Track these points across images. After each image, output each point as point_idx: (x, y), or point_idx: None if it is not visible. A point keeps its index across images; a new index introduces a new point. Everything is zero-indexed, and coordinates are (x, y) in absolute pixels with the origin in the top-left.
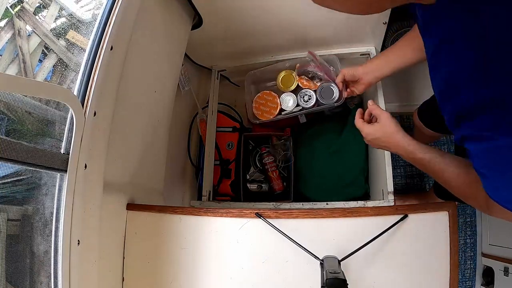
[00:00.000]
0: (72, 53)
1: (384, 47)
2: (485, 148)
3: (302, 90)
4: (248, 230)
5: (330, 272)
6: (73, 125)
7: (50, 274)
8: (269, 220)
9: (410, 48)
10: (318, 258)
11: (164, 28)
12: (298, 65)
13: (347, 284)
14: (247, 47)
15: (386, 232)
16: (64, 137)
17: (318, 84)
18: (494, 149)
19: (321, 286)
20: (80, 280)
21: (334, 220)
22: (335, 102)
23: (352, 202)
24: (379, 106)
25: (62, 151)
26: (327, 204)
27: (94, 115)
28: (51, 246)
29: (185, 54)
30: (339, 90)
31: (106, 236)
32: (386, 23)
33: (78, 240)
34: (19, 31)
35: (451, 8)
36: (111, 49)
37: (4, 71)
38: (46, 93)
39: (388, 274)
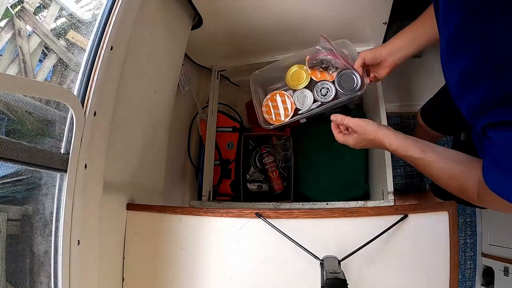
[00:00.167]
0: (72, 53)
1: None
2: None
3: (318, 84)
4: (248, 230)
5: (330, 272)
6: (73, 125)
7: (50, 274)
8: (269, 220)
9: (432, 24)
10: (318, 258)
11: (164, 28)
12: (307, 57)
13: (347, 284)
14: (247, 47)
15: (386, 232)
16: (64, 137)
17: (335, 73)
18: None
19: (321, 286)
20: (80, 280)
21: (334, 220)
22: (357, 91)
23: (352, 202)
24: (346, 116)
25: (62, 151)
26: (327, 204)
27: (94, 115)
28: (51, 246)
29: (185, 54)
30: (360, 76)
31: (106, 236)
32: (386, 23)
33: (78, 240)
34: (19, 31)
35: None
36: (111, 49)
37: (4, 71)
38: (46, 93)
39: (388, 274)
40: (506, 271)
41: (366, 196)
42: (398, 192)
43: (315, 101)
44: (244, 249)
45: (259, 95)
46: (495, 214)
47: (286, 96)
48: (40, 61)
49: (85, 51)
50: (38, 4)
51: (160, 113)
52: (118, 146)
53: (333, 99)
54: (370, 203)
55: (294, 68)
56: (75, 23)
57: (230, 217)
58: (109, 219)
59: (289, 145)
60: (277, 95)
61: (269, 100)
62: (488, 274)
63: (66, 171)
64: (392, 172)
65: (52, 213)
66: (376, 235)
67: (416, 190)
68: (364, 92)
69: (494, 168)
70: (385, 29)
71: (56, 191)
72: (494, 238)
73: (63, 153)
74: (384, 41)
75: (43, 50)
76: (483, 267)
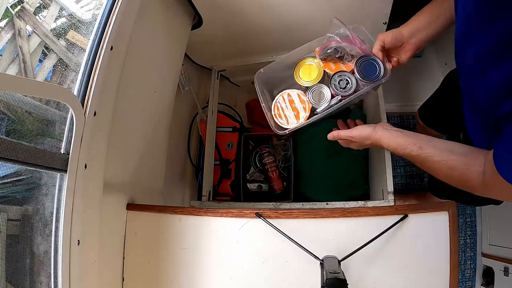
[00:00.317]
0: (72, 53)
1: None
2: None
3: (334, 76)
4: (248, 230)
5: (330, 272)
6: (73, 125)
7: (50, 274)
8: (269, 220)
9: (450, 4)
10: (318, 258)
11: (164, 28)
12: (317, 48)
13: (347, 284)
14: (247, 47)
15: (386, 232)
16: (64, 137)
17: (351, 63)
18: None
19: (321, 286)
20: (80, 280)
21: (334, 220)
22: (381, 78)
23: (352, 202)
24: (340, 131)
25: (62, 151)
26: (327, 204)
27: (94, 115)
28: (51, 246)
29: (185, 54)
30: (381, 62)
31: (106, 236)
32: (386, 23)
33: (78, 240)
34: (19, 31)
35: None
36: (111, 49)
37: (4, 71)
38: (46, 93)
39: (388, 274)
40: (506, 271)
41: (366, 196)
42: (398, 192)
43: (332, 96)
44: (244, 249)
45: (266, 97)
46: (495, 214)
47: (298, 95)
48: (40, 61)
49: (85, 51)
50: (38, 4)
51: (160, 113)
52: (118, 146)
53: (355, 91)
54: (370, 203)
55: (303, 63)
56: (75, 23)
57: (230, 217)
58: (109, 219)
59: (289, 145)
60: (287, 95)
61: (279, 102)
62: (488, 274)
63: (66, 171)
64: (392, 172)
65: (52, 213)
66: (376, 235)
67: (416, 190)
68: (389, 79)
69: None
70: (385, 29)
71: (56, 191)
72: (494, 238)
73: (63, 153)
74: None
75: (43, 50)
76: (483, 267)
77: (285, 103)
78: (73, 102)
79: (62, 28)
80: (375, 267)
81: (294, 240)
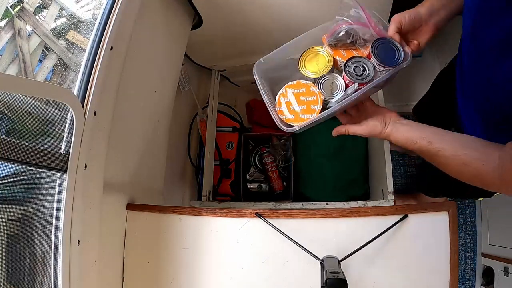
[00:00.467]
0: (72, 53)
1: None
2: None
3: (348, 63)
4: (248, 230)
5: (330, 272)
6: (73, 125)
7: (50, 274)
8: (269, 220)
9: None
10: (318, 258)
11: (164, 28)
12: (325, 35)
13: (347, 284)
14: (247, 47)
15: (386, 232)
16: (64, 137)
17: (365, 48)
18: None
19: (321, 286)
20: (80, 280)
21: (334, 220)
22: (402, 63)
23: (352, 202)
24: (351, 126)
25: (62, 151)
26: (327, 204)
27: (94, 115)
28: (51, 246)
29: (185, 54)
30: (400, 45)
31: (106, 236)
32: None
33: (78, 240)
34: (19, 31)
35: None
36: (111, 49)
37: (4, 71)
38: (46, 93)
39: (388, 274)
40: (506, 271)
41: (366, 196)
42: (398, 192)
43: (347, 86)
44: (244, 249)
45: (267, 90)
46: (495, 214)
47: (306, 87)
48: (40, 61)
49: (85, 51)
50: (38, 4)
51: (160, 113)
52: (118, 146)
53: (373, 79)
54: (370, 203)
55: (309, 52)
56: (75, 23)
57: (230, 217)
58: (109, 219)
59: (289, 145)
60: (295, 86)
61: (283, 96)
62: (488, 274)
63: (66, 171)
64: (392, 172)
65: (52, 213)
66: (376, 235)
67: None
68: (410, 63)
69: None
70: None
71: (56, 191)
72: (494, 238)
73: (63, 153)
74: None
75: (43, 50)
76: (483, 267)
77: (292, 97)
78: (73, 102)
79: (62, 28)
80: (375, 267)
81: (294, 240)
